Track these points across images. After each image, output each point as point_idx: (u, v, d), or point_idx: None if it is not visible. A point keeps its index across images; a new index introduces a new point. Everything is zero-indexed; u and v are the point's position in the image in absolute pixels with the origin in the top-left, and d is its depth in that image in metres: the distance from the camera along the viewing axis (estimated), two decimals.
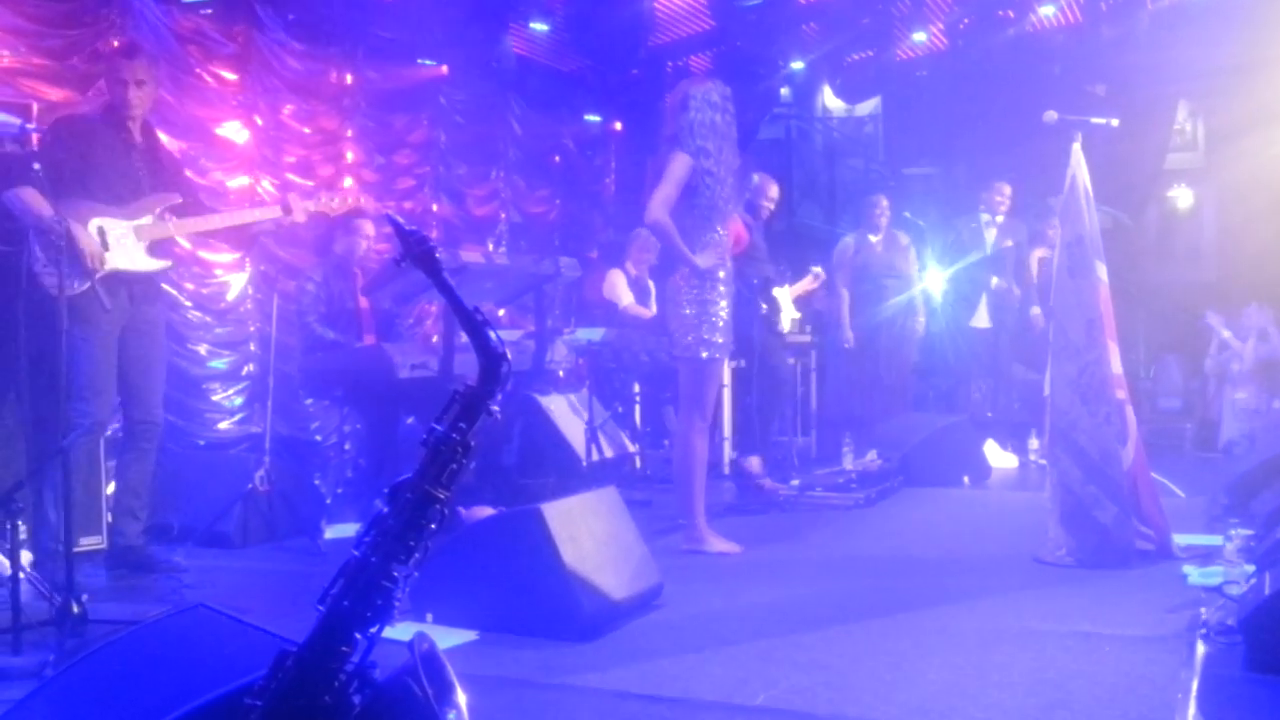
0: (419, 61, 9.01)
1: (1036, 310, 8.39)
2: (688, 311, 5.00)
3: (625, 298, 7.98)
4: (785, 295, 7.31)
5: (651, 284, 8.15)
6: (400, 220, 2.02)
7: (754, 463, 6.81)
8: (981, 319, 8.45)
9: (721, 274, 5.04)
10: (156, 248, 4.57)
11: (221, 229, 4.82)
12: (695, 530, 5.12)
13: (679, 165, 4.94)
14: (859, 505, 6.35)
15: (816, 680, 3.20)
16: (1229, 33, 9.00)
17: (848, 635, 3.69)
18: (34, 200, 4.17)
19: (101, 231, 4.42)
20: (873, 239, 8.34)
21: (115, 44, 4.90)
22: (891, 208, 8.57)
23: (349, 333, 6.20)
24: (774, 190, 7.08)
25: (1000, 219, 8.48)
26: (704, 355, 5.00)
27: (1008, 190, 8.48)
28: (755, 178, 7.06)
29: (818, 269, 8.07)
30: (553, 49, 9.71)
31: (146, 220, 4.52)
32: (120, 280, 4.48)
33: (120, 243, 4.46)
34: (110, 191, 4.46)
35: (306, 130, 7.92)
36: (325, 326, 6.16)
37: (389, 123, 8.70)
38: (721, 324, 5.03)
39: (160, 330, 4.84)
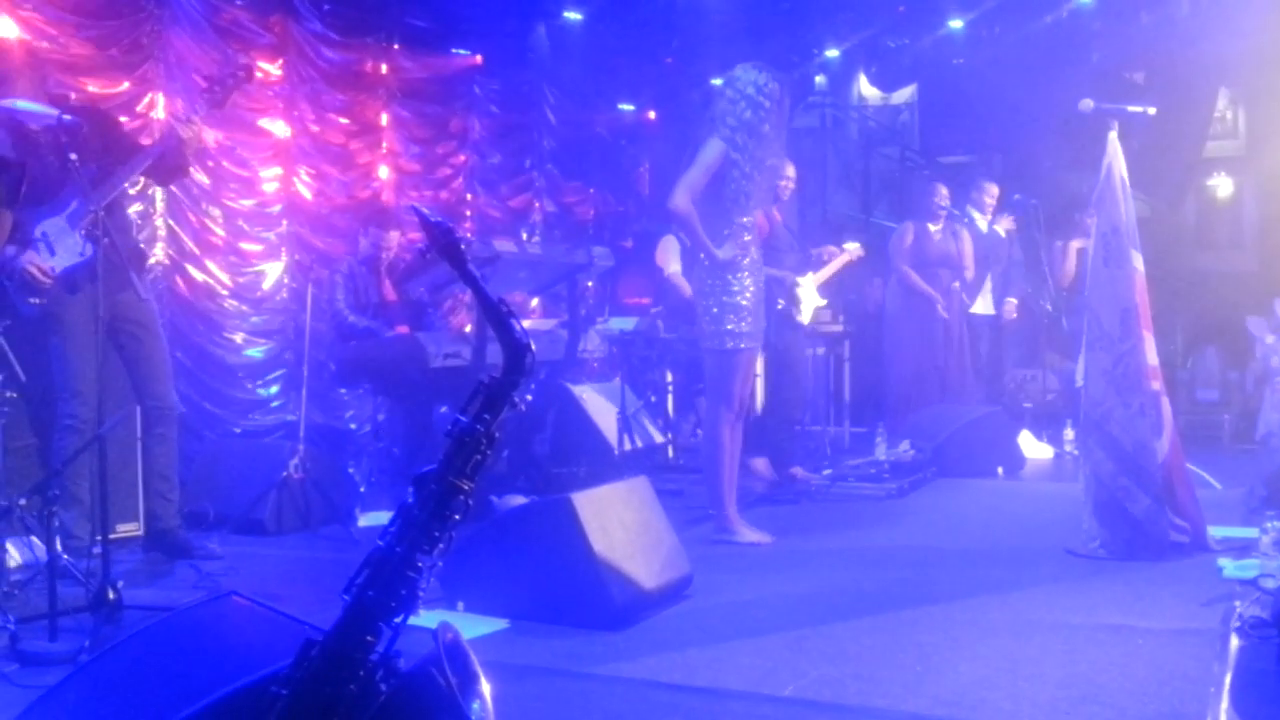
0: (453, 51, 9.03)
1: (1012, 301, 8.65)
2: (712, 302, 4.98)
3: (673, 265, 7.89)
4: (809, 284, 7.22)
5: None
6: (426, 211, 2.03)
7: (760, 464, 6.78)
8: (984, 306, 8.59)
9: (746, 262, 4.99)
10: (93, 232, 4.23)
11: (139, 173, 4.63)
12: (725, 519, 5.11)
13: (711, 151, 4.92)
14: (891, 496, 6.32)
15: (845, 671, 3.20)
16: (1271, 20, 8.85)
17: (877, 627, 3.68)
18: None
19: (45, 237, 4.40)
20: (932, 228, 8.24)
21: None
22: (921, 195, 8.55)
23: (377, 323, 6.24)
24: (790, 170, 7.00)
25: (989, 216, 8.71)
26: (729, 346, 4.98)
27: (995, 190, 8.75)
28: (770, 160, 7.03)
29: (851, 245, 7.94)
30: (586, 38, 9.69)
31: (73, 205, 4.42)
32: (74, 273, 4.41)
33: (62, 240, 4.41)
34: (59, 198, 4.41)
35: (343, 120, 7.97)
36: (356, 314, 6.21)
37: (424, 113, 8.73)
38: (748, 314, 4.98)
39: (150, 314, 4.76)
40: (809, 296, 7.14)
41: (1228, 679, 3.02)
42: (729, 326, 4.95)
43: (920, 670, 3.20)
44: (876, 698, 2.97)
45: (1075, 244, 8.38)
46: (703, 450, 5.38)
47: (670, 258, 7.93)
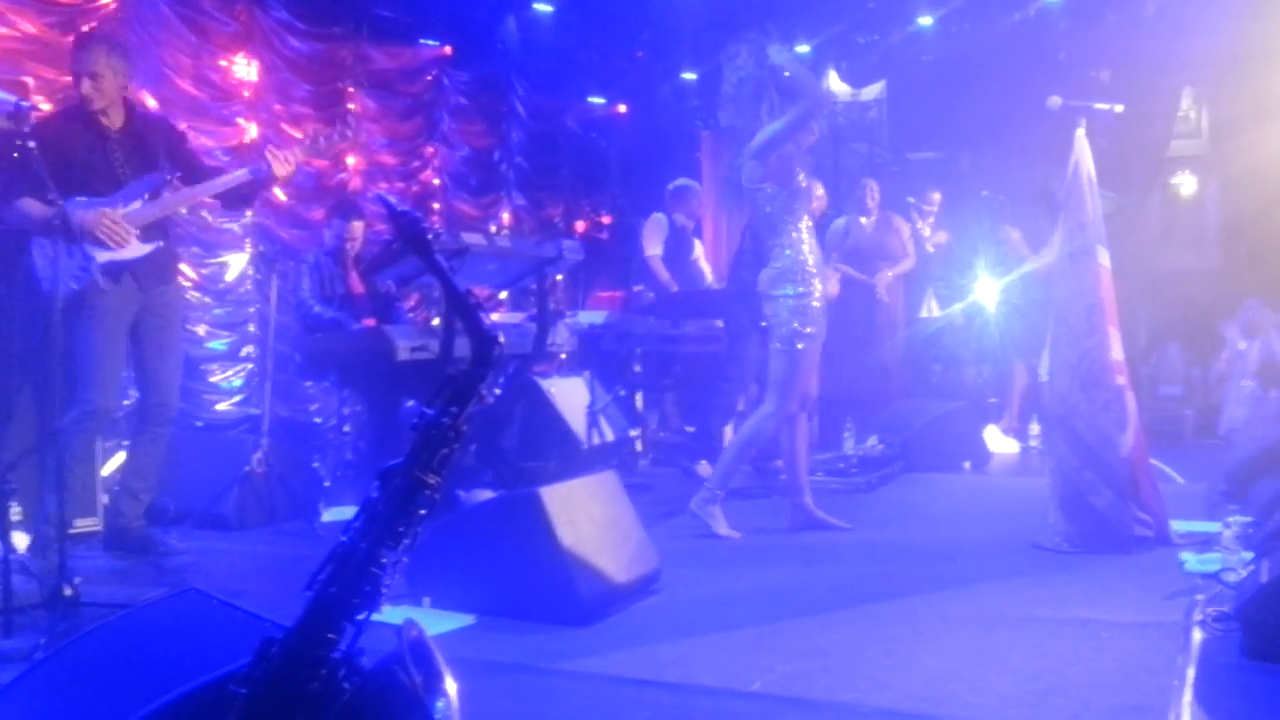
0: (422, 42, 8.97)
1: (957, 308, 8.89)
2: (781, 302, 5.07)
3: (652, 247, 7.89)
4: None
5: (698, 243, 8.10)
6: (392, 201, 2.00)
7: (705, 467, 6.78)
8: (930, 310, 8.75)
9: (812, 264, 5.10)
10: (148, 231, 4.50)
11: (212, 200, 4.74)
12: (711, 500, 5.16)
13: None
14: (859, 490, 6.34)
15: (814, 666, 3.19)
16: (1234, 21, 8.94)
17: (845, 621, 3.68)
18: (29, 206, 4.19)
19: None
20: (864, 221, 8.37)
21: (80, 32, 4.77)
22: (889, 191, 8.64)
23: (344, 315, 6.19)
24: (819, 190, 7.09)
25: (930, 223, 8.94)
26: (800, 347, 5.06)
27: (937, 198, 9.00)
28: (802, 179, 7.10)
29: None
30: (556, 30, 9.65)
31: (135, 205, 4.45)
32: (121, 267, 4.44)
33: None
34: (89, 187, 4.39)
35: (306, 110, 7.90)
36: (322, 304, 6.16)
37: (392, 104, 8.68)
38: (815, 314, 5.09)
39: (177, 315, 4.83)
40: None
41: (1190, 672, 3.04)
42: (798, 327, 5.05)
43: (888, 664, 3.20)
44: (844, 692, 2.97)
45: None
46: (743, 428, 5.41)
47: (651, 240, 7.91)
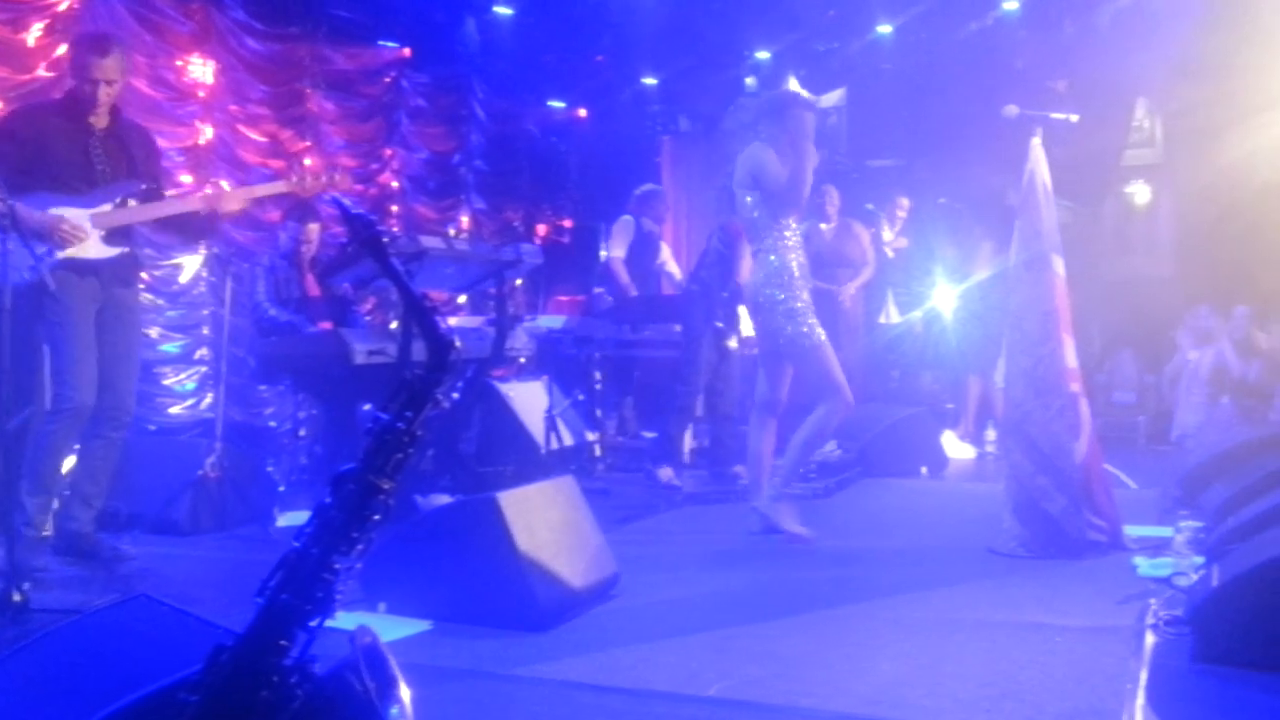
0: (381, 43, 8.92)
1: (917, 314, 9.02)
2: (786, 307, 5.07)
3: (616, 249, 7.88)
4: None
5: (665, 247, 8.09)
6: (347, 204, 1.99)
7: (666, 473, 6.79)
8: (890, 316, 8.81)
9: (796, 268, 5.11)
10: (113, 235, 4.44)
11: (177, 217, 4.68)
12: (780, 505, 5.20)
13: (770, 156, 5.10)
14: (817, 495, 6.35)
15: (770, 671, 3.19)
16: (1189, 33, 9.07)
17: (803, 626, 3.69)
18: None
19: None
20: (824, 228, 8.42)
21: (88, 36, 4.70)
22: (849, 198, 8.69)
23: (299, 318, 6.14)
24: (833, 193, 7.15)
25: (897, 228, 9.08)
26: (813, 342, 5.08)
27: (906, 204, 9.16)
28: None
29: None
30: (517, 33, 9.64)
31: (105, 208, 4.40)
32: (84, 268, 4.37)
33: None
34: (64, 181, 4.34)
35: (263, 111, 7.84)
36: (277, 306, 6.10)
37: (350, 105, 8.62)
38: (808, 315, 5.11)
39: (136, 317, 4.76)
40: (746, 324, 7.11)
41: (1143, 675, 3.07)
42: (803, 324, 5.07)
43: (844, 669, 3.21)
44: (801, 697, 2.98)
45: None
46: (806, 429, 5.32)
47: (618, 243, 7.91)
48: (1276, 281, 8.08)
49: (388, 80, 9.00)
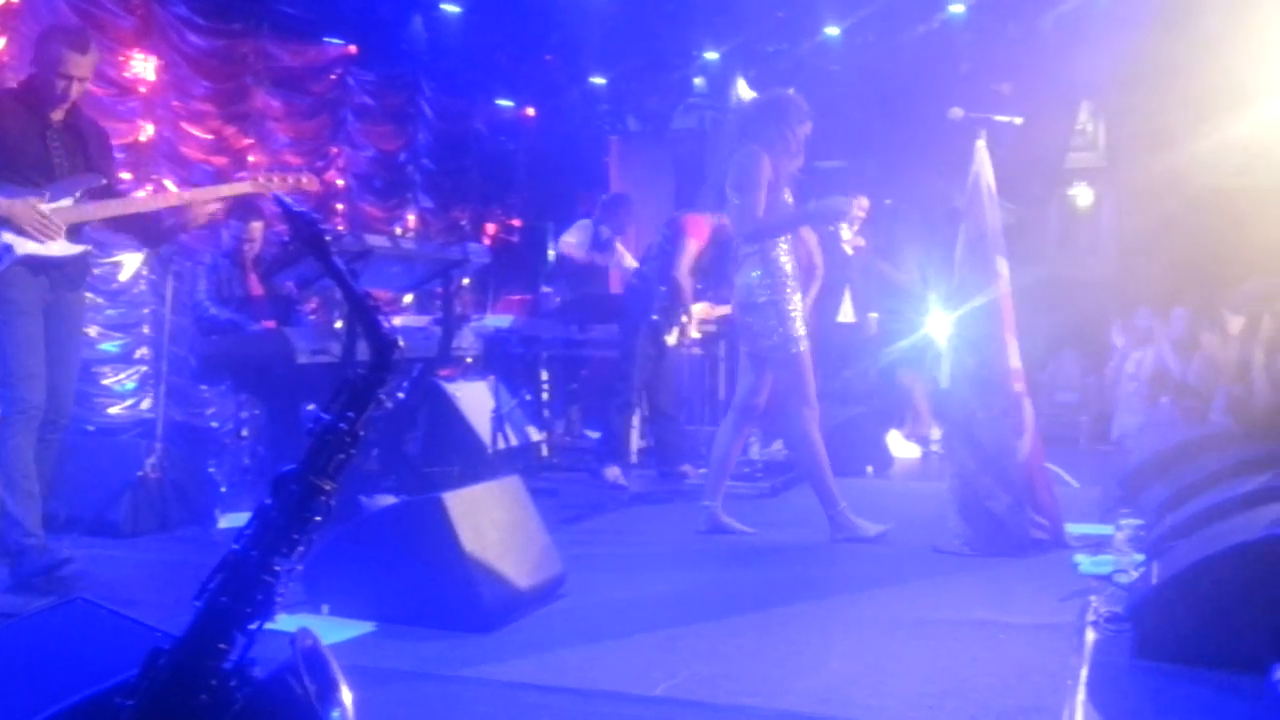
0: (326, 40, 8.83)
1: (873, 316, 8.93)
2: (773, 311, 5.02)
3: (570, 236, 7.88)
4: (696, 314, 7.22)
5: (620, 247, 8.06)
6: (289, 201, 1.96)
7: (613, 472, 6.78)
8: (846, 314, 8.85)
9: (790, 269, 5.09)
10: (74, 232, 4.27)
11: (142, 217, 4.54)
12: (842, 518, 5.08)
13: (760, 161, 5.04)
14: (764, 495, 6.38)
15: (716, 670, 3.20)
16: (1132, 38, 9.21)
17: (749, 624, 3.70)
18: None
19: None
20: None
21: (63, 29, 4.53)
22: (798, 199, 8.69)
23: (241, 317, 6.07)
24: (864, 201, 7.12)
25: (855, 228, 8.97)
26: (796, 350, 5.03)
27: (865, 203, 9.05)
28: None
29: None
30: (465, 31, 9.58)
31: (65, 203, 4.22)
32: (40, 265, 4.21)
33: None
34: (21, 172, 4.18)
35: (207, 107, 7.73)
36: (217, 305, 6.02)
37: (295, 102, 8.53)
38: (799, 317, 5.08)
39: (82, 319, 4.61)
40: (688, 326, 7.09)
41: (1083, 672, 3.11)
42: (789, 331, 5.02)
43: (791, 667, 3.22)
44: (746, 696, 2.98)
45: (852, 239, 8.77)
46: (799, 457, 5.32)
47: (574, 239, 7.89)
48: (1216, 284, 8.22)
49: (333, 77, 8.92)
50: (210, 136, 7.80)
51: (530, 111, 11.14)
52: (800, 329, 5.06)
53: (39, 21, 6.43)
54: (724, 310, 7.64)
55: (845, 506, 5.08)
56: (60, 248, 4.24)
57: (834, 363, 9.13)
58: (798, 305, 5.09)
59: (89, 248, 4.40)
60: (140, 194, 4.59)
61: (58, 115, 4.32)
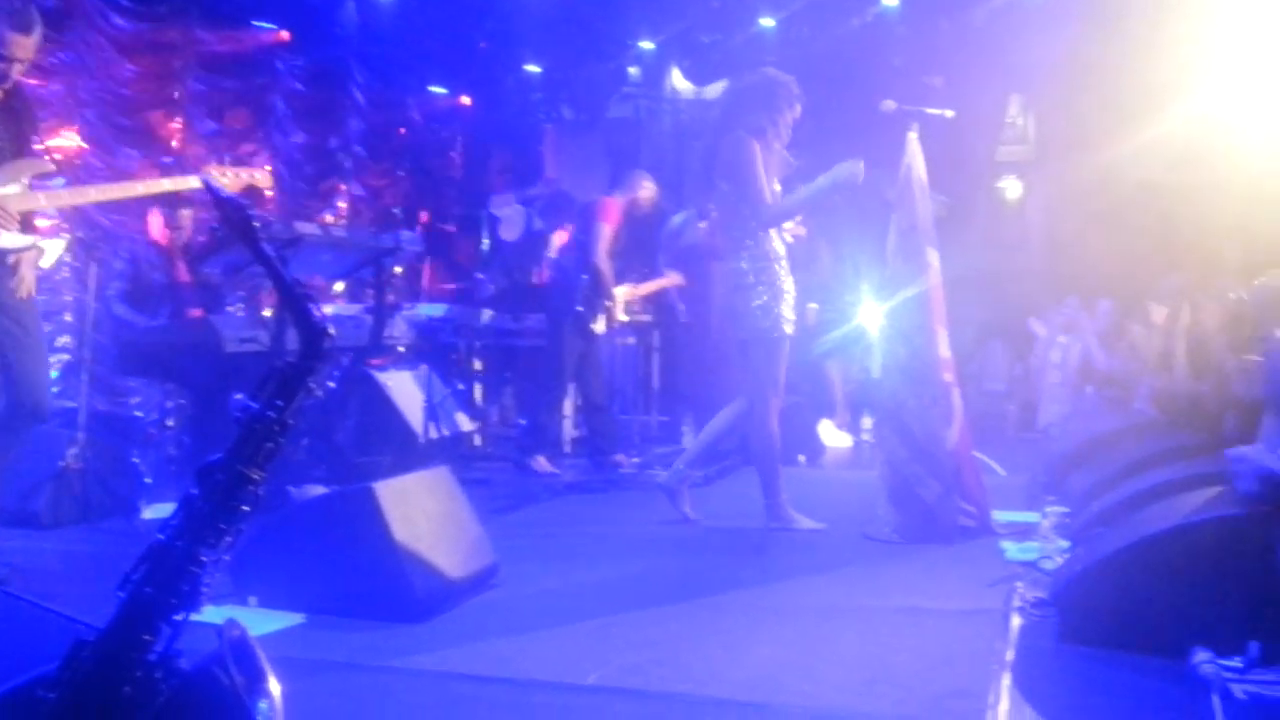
0: (256, 24, 8.69)
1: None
2: (760, 291, 4.95)
3: (509, 218, 7.84)
4: (621, 296, 7.21)
5: (556, 238, 8.00)
6: (218, 186, 1.92)
7: (541, 462, 6.78)
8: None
9: (780, 251, 5.05)
10: (25, 220, 4.04)
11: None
12: (779, 509, 5.06)
13: (753, 149, 4.97)
14: (697, 484, 6.39)
15: (648, 658, 3.20)
16: (1061, 34, 9.37)
17: (681, 613, 3.71)
18: None
19: None
20: (701, 225, 8.36)
21: (7, 8, 4.27)
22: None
23: (158, 312, 5.96)
24: (648, 191, 7.07)
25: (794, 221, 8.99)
26: (778, 334, 4.97)
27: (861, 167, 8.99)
28: (640, 175, 7.11)
29: (673, 273, 8.03)
30: (398, 17, 9.48)
31: (14, 190, 3.98)
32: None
33: None
34: None
35: (136, 92, 7.57)
36: (126, 305, 5.91)
37: (224, 87, 8.38)
38: (793, 301, 5.03)
39: (36, 309, 4.29)
40: (614, 310, 7.08)
41: (1009, 655, 3.17)
42: (782, 312, 4.96)
43: (722, 655, 3.23)
44: (679, 683, 2.99)
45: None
46: (753, 443, 5.22)
47: (507, 225, 7.85)
48: (1142, 277, 8.39)
49: (263, 62, 8.77)
50: (135, 122, 7.63)
51: (466, 100, 11.06)
52: (789, 312, 5.01)
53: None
54: (649, 287, 7.68)
55: (786, 499, 5.10)
56: (12, 239, 3.99)
57: None
58: (790, 288, 5.04)
59: (36, 239, 4.14)
60: (93, 190, 4.34)
61: None
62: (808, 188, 5.04)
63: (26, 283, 4.04)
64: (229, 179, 4.44)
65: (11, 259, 4.00)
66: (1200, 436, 5.03)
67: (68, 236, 6.79)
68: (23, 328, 4.15)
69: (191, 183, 4.47)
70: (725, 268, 5.12)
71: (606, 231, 6.74)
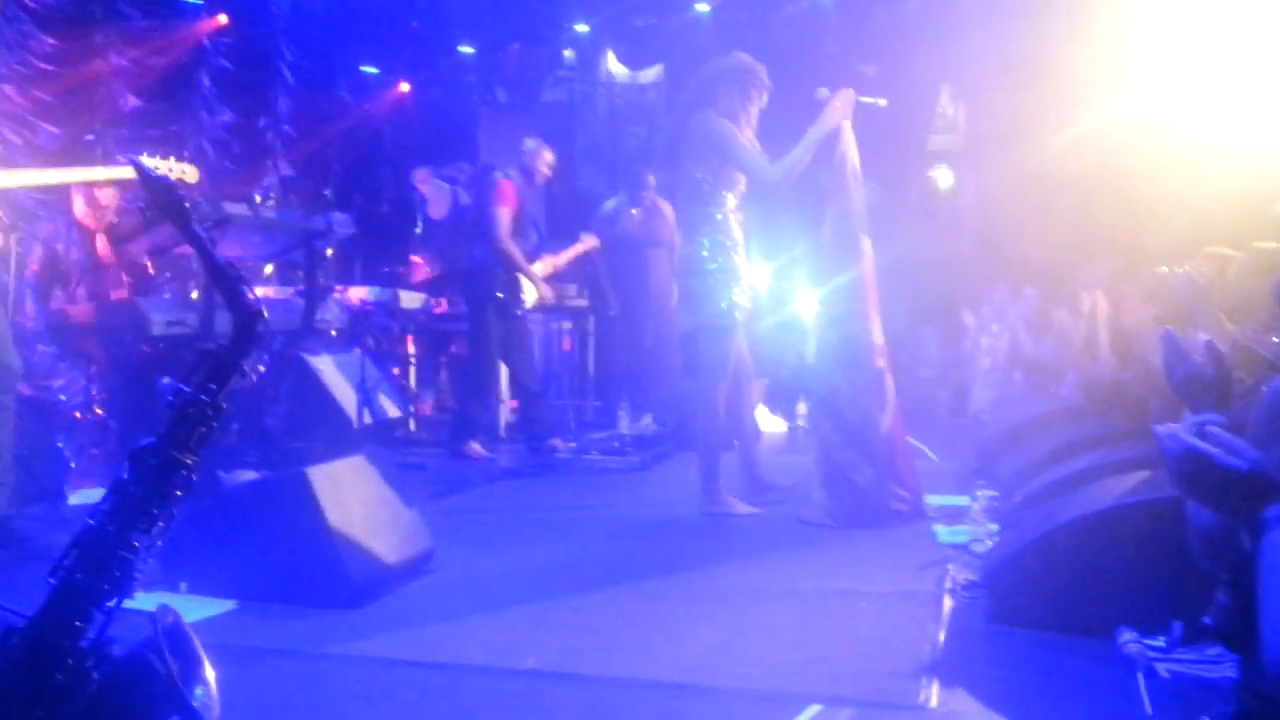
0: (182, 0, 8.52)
1: None
2: (716, 275, 4.95)
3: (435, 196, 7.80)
4: (542, 271, 7.17)
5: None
6: (147, 166, 1.88)
7: (474, 447, 6.75)
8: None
9: (738, 236, 5.06)
10: None
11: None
12: (716, 494, 5.05)
13: (730, 128, 4.98)
14: (633, 469, 6.42)
15: (587, 642, 3.21)
16: (993, 26, 9.48)
17: (619, 597, 3.72)
18: None
19: None
20: (634, 212, 8.32)
21: None
22: (666, 176, 8.66)
23: (77, 294, 5.83)
24: (549, 155, 7.02)
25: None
26: (727, 323, 4.98)
27: (743, 180, 9.00)
28: (530, 143, 7.02)
29: (589, 236, 8.02)
30: None
31: None
32: None
33: None
34: None
35: (53, 66, 7.38)
36: (37, 304, 5.79)
37: (147, 64, 8.20)
38: (745, 286, 5.04)
39: None
40: (539, 285, 7.05)
41: (941, 636, 3.22)
42: (735, 297, 4.97)
43: (660, 638, 3.24)
44: (617, 667, 3.00)
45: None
46: (700, 425, 5.19)
47: (434, 204, 7.79)
48: (1070, 265, 8.53)
49: (189, 39, 8.59)
50: (54, 98, 7.44)
51: (405, 87, 10.93)
52: (744, 299, 5.05)
53: None
54: (568, 255, 7.67)
55: (722, 485, 5.12)
56: None
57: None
58: (744, 274, 5.07)
59: None
60: (33, 173, 4.19)
61: None
62: (807, 139, 5.01)
63: None
64: (159, 169, 4.32)
65: None
66: (1125, 422, 5.13)
67: None
68: None
69: (126, 173, 4.36)
70: (683, 251, 5.13)
71: (504, 214, 6.68)
